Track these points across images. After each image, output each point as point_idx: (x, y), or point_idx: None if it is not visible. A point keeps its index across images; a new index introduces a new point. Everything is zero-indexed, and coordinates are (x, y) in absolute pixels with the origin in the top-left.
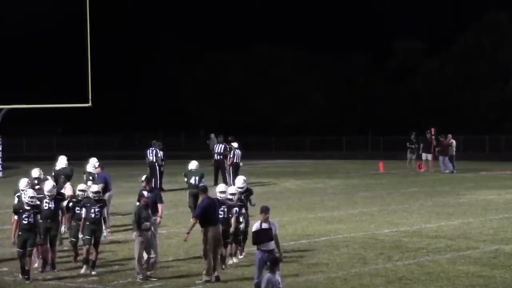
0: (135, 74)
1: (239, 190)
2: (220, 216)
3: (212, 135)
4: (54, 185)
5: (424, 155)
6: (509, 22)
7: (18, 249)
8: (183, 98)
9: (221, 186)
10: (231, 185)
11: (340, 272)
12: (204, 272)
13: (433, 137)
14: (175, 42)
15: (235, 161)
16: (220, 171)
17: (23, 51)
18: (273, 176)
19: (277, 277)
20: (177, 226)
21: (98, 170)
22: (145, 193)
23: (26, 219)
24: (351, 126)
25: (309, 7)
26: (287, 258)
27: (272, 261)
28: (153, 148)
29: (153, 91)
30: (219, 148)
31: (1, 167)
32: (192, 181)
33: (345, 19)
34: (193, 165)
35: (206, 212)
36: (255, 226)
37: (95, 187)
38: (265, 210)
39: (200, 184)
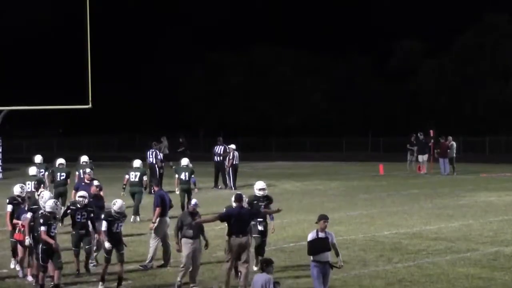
0: (135, 75)
1: (260, 193)
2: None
3: (163, 138)
4: (51, 196)
5: (420, 157)
6: (509, 22)
7: (45, 265)
8: (183, 98)
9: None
10: (230, 187)
11: (340, 274)
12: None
13: (432, 139)
14: (175, 43)
15: (234, 162)
16: (220, 173)
17: (23, 53)
18: (273, 177)
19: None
20: None
21: (88, 177)
22: (193, 201)
23: (54, 230)
24: (351, 127)
25: (309, 8)
26: (287, 260)
27: (266, 262)
28: (153, 150)
29: (153, 91)
30: (219, 149)
31: (1, 168)
32: (182, 176)
33: (345, 19)
34: (184, 161)
35: (232, 220)
36: (310, 235)
37: (119, 204)
38: (324, 218)
39: (192, 180)
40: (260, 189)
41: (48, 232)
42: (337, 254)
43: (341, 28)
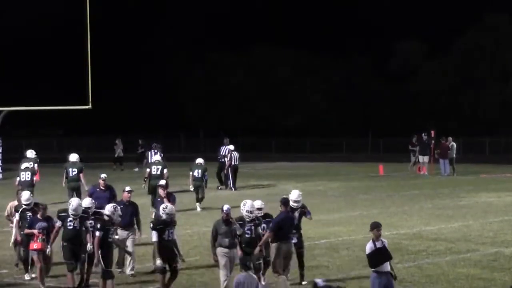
0: (135, 75)
1: (295, 205)
2: (247, 235)
3: (118, 141)
4: (80, 203)
5: (421, 158)
6: (509, 23)
7: (109, 269)
8: (183, 99)
9: (257, 202)
10: (230, 188)
11: (340, 275)
12: None
13: (433, 140)
14: (175, 43)
15: (233, 163)
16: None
17: (23, 53)
18: (273, 178)
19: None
20: (178, 228)
21: (103, 183)
22: (225, 207)
23: (112, 236)
24: (351, 128)
25: (310, 8)
26: None
27: (256, 268)
28: (156, 150)
29: (153, 92)
30: (224, 150)
31: (1, 169)
32: (195, 173)
33: (345, 19)
34: (199, 160)
35: (281, 227)
36: (368, 247)
37: (170, 207)
38: (376, 227)
39: (204, 177)
40: (295, 201)
41: (105, 238)
42: (390, 267)
43: (341, 28)
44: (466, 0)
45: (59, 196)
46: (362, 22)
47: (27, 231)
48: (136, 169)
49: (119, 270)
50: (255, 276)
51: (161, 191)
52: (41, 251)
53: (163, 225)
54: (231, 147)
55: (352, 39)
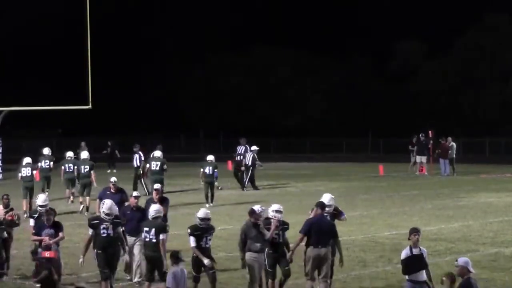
0: (135, 75)
1: (326, 209)
2: (274, 240)
3: (83, 144)
4: (113, 203)
5: (418, 158)
6: (509, 23)
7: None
8: (183, 99)
9: (275, 206)
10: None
11: (340, 275)
12: None
13: (431, 140)
14: (175, 43)
15: (245, 163)
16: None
17: (23, 54)
18: (273, 178)
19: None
20: (177, 228)
21: (113, 187)
22: (256, 207)
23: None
24: (351, 128)
25: (309, 8)
26: None
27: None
28: (141, 154)
29: (153, 93)
30: (240, 149)
31: (1, 169)
32: (206, 170)
33: (345, 20)
34: (209, 157)
35: (313, 230)
36: (404, 252)
37: (203, 211)
38: (414, 232)
39: (215, 174)
40: (327, 205)
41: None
42: (428, 278)
43: (341, 29)
44: (466, 0)
45: (58, 196)
46: (362, 22)
47: (35, 238)
48: (109, 171)
49: (128, 277)
50: (185, 270)
51: (154, 194)
52: (55, 259)
53: (200, 232)
54: (254, 147)
55: (352, 39)
